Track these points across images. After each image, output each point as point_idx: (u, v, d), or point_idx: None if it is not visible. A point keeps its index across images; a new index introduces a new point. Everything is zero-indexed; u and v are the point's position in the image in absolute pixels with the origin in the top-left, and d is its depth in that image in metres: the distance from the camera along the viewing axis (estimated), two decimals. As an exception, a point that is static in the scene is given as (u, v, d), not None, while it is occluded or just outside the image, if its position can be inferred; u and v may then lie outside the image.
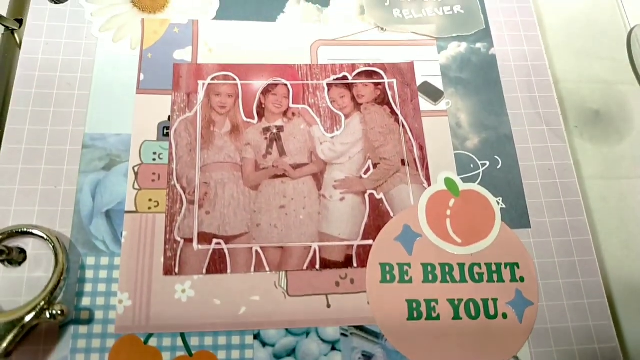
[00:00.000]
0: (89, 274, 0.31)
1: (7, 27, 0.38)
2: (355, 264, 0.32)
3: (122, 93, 0.35)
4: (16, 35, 0.38)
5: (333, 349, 0.30)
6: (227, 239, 0.32)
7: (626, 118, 0.41)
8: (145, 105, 0.35)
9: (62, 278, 0.30)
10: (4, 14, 0.38)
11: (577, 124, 0.40)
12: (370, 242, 0.33)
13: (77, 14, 0.37)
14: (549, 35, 0.43)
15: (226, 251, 0.32)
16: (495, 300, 0.32)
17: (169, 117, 0.35)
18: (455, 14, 0.40)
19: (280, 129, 0.35)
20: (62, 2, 0.37)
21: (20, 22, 0.38)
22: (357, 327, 0.31)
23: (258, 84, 0.36)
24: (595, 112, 0.41)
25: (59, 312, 0.28)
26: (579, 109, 0.41)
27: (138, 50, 0.36)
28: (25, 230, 0.31)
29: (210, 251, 0.32)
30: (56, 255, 0.30)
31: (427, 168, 0.35)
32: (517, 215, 0.34)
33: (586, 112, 0.41)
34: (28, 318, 0.28)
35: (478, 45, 0.39)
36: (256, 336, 0.30)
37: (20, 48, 0.37)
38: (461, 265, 0.33)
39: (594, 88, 0.42)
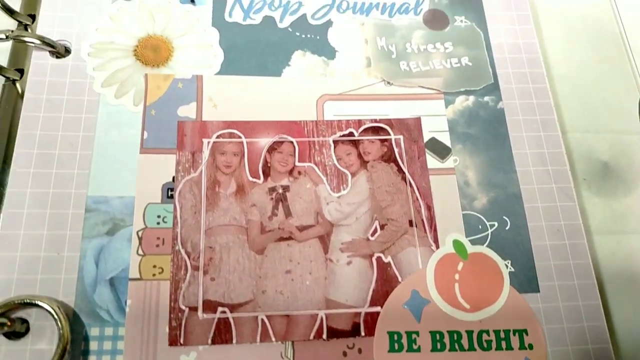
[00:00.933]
0: (93, 345, 0.30)
1: (7, 78, 0.38)
2: (362, 333, 0.32)
3: (126, 152, 0.34)
4: (18, 85, 0.38)
5: (340, 423, 0.30)
6: (233, 307, 0.32)
7: (635, 170, 0.40)
8: (149, 166, 0.34)
9: (66, 351, 0.29)
10: (4, 64, 0.38)
11: (586, 176, 0.40)
12: (378, 308, 0.32)
13: (79, 68, 0.36)
14: (557, 84, 0.42)
15: (231, 320, 0.31)
16: (504, 371, 0.32)
17: (174, 177, 0.34)
18: (463, 66, 0.39)
19: (286, 188, 0.35)
20: (64, 57, 0.36)
21: (21, 72, 0.38)
22: (364, 401, 0.31)
23: (264, 142, 0.36)
24: (603, 163, 0.40)
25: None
26: (588, 161, 0.41)
27: (141, 107, 0.36)
28: (28, 301, 0.30)
29: (216, 320, 0.31)
30: (60, 327, 0.30)
31: (435, 229, 0.35)
32: (526, 279, 0.34)
33: (595, 163, 0.41)
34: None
35: (486, 98, 0.38)
36: (263, 411, 0.30)
37: (22, 98, 0.36)
38: (469, 333, 0.32)
39: (602, 138, 0.41)
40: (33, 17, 0.39)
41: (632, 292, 0.36)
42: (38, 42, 0.35)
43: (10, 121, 0.36)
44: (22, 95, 0.36)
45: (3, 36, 0.35)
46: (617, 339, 0.34)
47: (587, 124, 0.42)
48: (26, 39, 0.35)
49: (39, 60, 0.36)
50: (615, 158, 0.41)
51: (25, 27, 0.39)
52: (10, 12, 0.38)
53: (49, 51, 0.36)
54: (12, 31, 0.35)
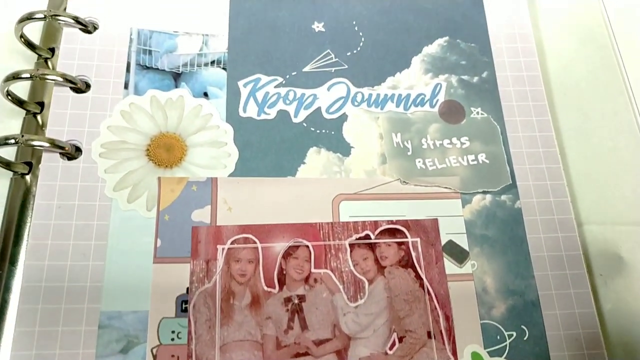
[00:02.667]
0: None
1: (15, 172, 0.37)
2: None
3: (139, 262, 0.34)
4: (27, 178, 0.37)
5: None
6: None
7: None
8: (163, 276, 0.34)
9: None
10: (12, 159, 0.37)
11: (602, 271, 0.40)
12: None
13: (90, 171, 0.35)
14: (572, 175, 0.42)
15: None
16: None
17: (187, 289, 0.34)
18: (480, 163, 0.39)
19: (302, 298, 0.34)
20: (75, 158, 0.36)
21: (29, 165, 0.37)
22: None
23: (279, 247, 0.35)
24: (619, 258, 0.40)
25: None
26: (604, 255, 0.40)
27: (154, 212, 0.35)
28: None
29: None
30: None
31: (454, 341, 0.34)
32: (545, 394, 0.33)
33: (611, 258, 0.40)
34: None
35: (503, 197, 0.38)
36: None
37: (31, 194, 0.35)
38: None
39: (618, 230, 0.41)
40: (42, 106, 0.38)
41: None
42: (47, 144, 0.35)
43: (19, 218, 0.35)
44: (29, 190, 0.36)
45: (12, 140, 0.34)
46: None
47: (603, 216, 0.41)
48: (35, 142, 0.35)
49: (50, 163, 0.35)
50: (632, 252, 0.40)
51: (34, 115, 0.38)
52: (20, 102, 0.38)
53: (60, 153, 0.36)
54: (23, 136, 0.34)
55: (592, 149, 0.43)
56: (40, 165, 0.35)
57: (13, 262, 0.34)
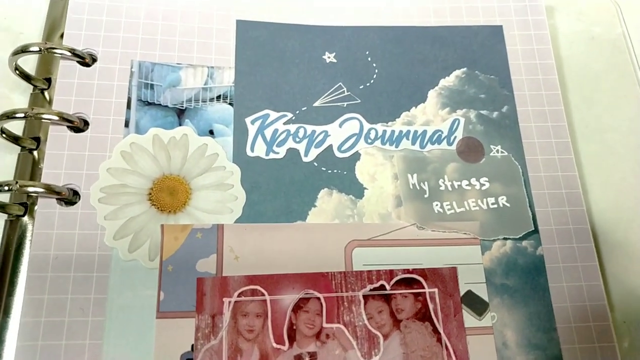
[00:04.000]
0: None
1: (9, 214, 0.35)
2: None
3: (141, 317, 0.32)
4: (24, 220, 0.35)
5: None
6: None
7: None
8: (166, 333, 0.32)
9: None
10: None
11: (625, 319, 0.38)
12: None
13: (89, 218, 0.33)
14: (595, 220, 0.40)
15: None
16: None
17: (192, 346, 0.32)
18: (501, 207, 0.37)
19: (313, 356, 0.32)
20: (73, 204, 0.34)
21: (25, 206, 0.35)
22: None
23: (289, 299, 0.33)
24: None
25: None
26: (626, 300, 0.38)
27: (157, 262, 0.33)
28: None
29: None
30: None
31: (473, 401, 0.32)
32: None
33: (637, 305, 0.38)
34: None
35: (525, 243, 0.36)
36: None
37: (26, 238, 0.34)
38: None
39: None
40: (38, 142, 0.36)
41: None
42: (43, 190, 0.33)
43: (13, 265, 0.33)
44: (24, 233, 0.34)
45: (6, 187, 0.32)
46: None
47: (628, 259, 0.39)
48: (30, 189, 0.33)
49: (46, 210, 0.33)
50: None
51: (30, 151, 0.36)
52: (15, 139, 0.36)
53: (56, 199, 0.33)
54: (17, 182, 0.32)
55: (615, 189, 0.41)
56: (36, 208, 0.33)
57: (7, 313, 0.32)
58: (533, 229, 0.36)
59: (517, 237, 0.36)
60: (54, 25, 0.40)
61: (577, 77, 0.43)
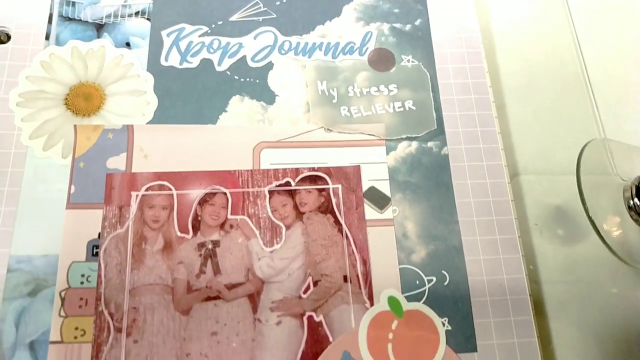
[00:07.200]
0: (9, 412, 0.30)
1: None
2: (288, 398, 0.31)
3: (52, 208, 0.34)
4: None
5: None
6: (155, 372, 0.31)
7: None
8: (75, 222, 0.33)
9: (-22, 421, 0.29)
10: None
11: (537, 221, 0.39)
12: (306, 371, 0.31)
13: (7, 119, 0.35)
14: (511, 122, 0.41)
15: (153, 385, 0.31)
16: None
17: (99, 234, 0.33)
18: (407, 110, 0.38)
19: (216, 244, 0.34)
20: (-8, 108, 0.36)
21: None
22: None
23: (195, 194, 0.35)
24: (556, 207, 0.39)
25: None
26: (540, 205, 0.39)
27: (70, 160, 0.35)
28: (-60, 370, 0.29)
29: (137, 385, 0.31)
30: (-27, 396, 0.29)
31: (370, 285, 0.33)
32: (463, 338, 0.33)
33: (547, 207, 0.39)
34: None
35: (430, 144, 0.37)
36: None
37: None
38: (401, 397, 0.31)
39: (557, 180, 0.40)
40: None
41: (580, 348, 0.35)
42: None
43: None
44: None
45: None
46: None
47: (541, 166, 0.40)
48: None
49: (-34, 112, 0.35)
50: (570, 202, 0.39)
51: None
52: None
53: (-23, 102, 0.36)
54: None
55: (533, 99, 0.42)
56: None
57: None
58: (435, 128, 0.37)
59: (420, 135, 0.37)
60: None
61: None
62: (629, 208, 0.35)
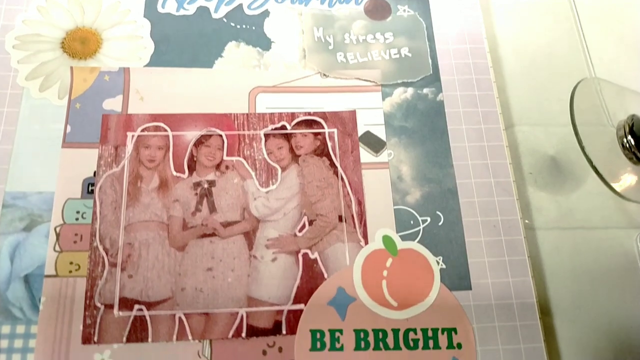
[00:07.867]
0: (4, 343, 0.30)
1: None
2: (284, 331, 0.31)
3: (48, 147, 0.34)
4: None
5: None
6: (150, 305, 0.31)
7: (583, 164, 0.39)
8: (70, 160, 0.34)
9: (-27, 350, 0.29)
10: None
11: (532, 170, 0.39)
12: (301, 306, 0.31)
13: (3, 61, 0.35)
14: (506, 75, 0.41)
15: (148, 318, 0.31)
16: (428, 371, 0.31)
17: (95, 172, 0.33)
18: (402, 57, 0.38)
19: (211, 183, 0.34)
20: (-11, 50, 0.36)
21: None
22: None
23: (190, 135, 0.35)
24: (551, 157, 0.39)
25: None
26: (534, 154, 0.39)
27: (66, 100, 0.35)
28: None
29: (132, 318, 0.31)
30: (-33, 325, 0.29)
31: (365, 225, 0.34)
32: (458, 277, 0.33)
33: (542, 157, 0.39)
34: None
35: (425, 90, 0.37)
36: (174, 412, 0.29)
37: None
38: (395, 331, 0.31)
39: (551, 132, 0.40)
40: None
41: (573, 290, 0.35)
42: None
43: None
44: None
45: None
46: (555, 337, 0.33)
47: (536, 118, 0.40)
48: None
49: (-38, 53, 0.35)
50: (564, 152, 0.39)
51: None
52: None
53: (-27, 43, 0.36)
54: None
55: (528, 51, 0.42)
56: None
57: None
58: (431, 73, 0.37)
59: (415, 80, 0.37)
60: None
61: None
62: (623, 146, 0.35)
